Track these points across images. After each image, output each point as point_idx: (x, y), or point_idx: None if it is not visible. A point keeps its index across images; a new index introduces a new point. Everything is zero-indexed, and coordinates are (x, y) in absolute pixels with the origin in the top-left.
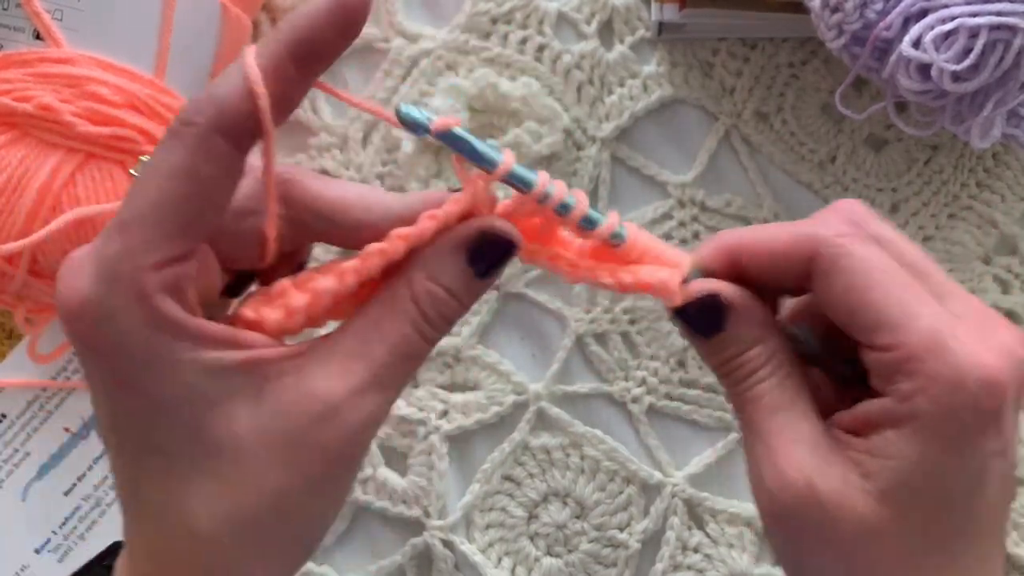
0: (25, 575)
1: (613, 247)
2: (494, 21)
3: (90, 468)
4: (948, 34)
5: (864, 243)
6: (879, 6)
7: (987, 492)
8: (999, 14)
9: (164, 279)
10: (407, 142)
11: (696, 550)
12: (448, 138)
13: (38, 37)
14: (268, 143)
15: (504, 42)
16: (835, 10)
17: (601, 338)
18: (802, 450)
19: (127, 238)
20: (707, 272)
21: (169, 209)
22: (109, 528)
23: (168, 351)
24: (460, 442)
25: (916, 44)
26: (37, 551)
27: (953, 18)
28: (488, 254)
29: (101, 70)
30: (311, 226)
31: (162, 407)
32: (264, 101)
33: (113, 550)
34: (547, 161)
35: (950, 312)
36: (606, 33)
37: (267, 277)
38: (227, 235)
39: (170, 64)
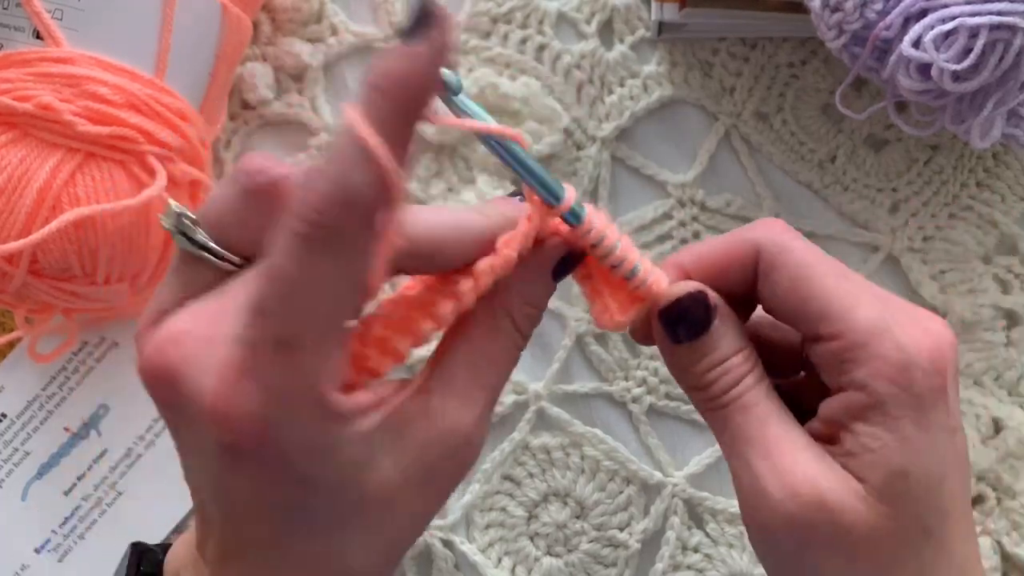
0: (25, 575)
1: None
2: (494, 21)
3: (90, 468)
4: (948, 34)
5: (799, 240)
6: (879, 6)
7: (954, 471)
8: (999, 14)
9: (335, 379)
10: None
11: (696, 550)
12: (501, 149)
13: (38, 37)
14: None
15: (504, 42)
16: (835, 10)
17: (601, 338)
18: (805, 457)
19: (297, 363)
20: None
21: (336, 324)
22: (109, 528)
23: (336, 437)
24: None
25: (916, 44)
26: (37, 551)
27: (953, 18)
28: (565, 268)
29: (101, 70)
30: (403, 266)
31: (321, 485)
32: (400, 180)
33: (139, 554)
34: (547, 161)
35: (886, 303)
36: (606, 33)
37: None
38: None
39: (170, 64)
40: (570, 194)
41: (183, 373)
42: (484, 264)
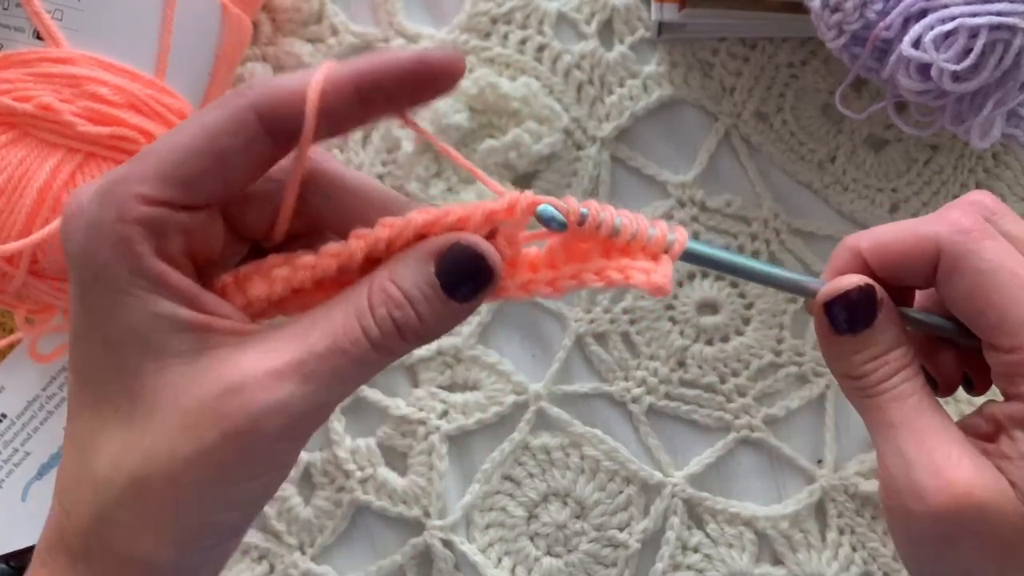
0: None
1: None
2: (494, 21)
3: None
4: (948, 34)
5: (989, 240)
6: (879, 6)
7: None
8: (999, 14)
9: (147, 215)
10: (407, 142)
11: (696, 550)
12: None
13: (38, 37)
14: (305, 138)
15: (504, 42)
16: (835, 10)
17: (601, 338)
18: (959, 452)
19: (133, 166)
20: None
21: (179, 156)
22: None
23: (126, 284)
24: (460, 442)
25: (916, 44)
26: None
27: (953, 18)
28: (457, 270)
29: (101, 70)
30: (326, 216)
31: (107, 338)
32: (311, 107)
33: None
34: (547, 161)
35: None
36: (606, 33)
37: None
38: (245, 202)
39: (170, 64)
40: (572, 205)
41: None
42: (355, 231)
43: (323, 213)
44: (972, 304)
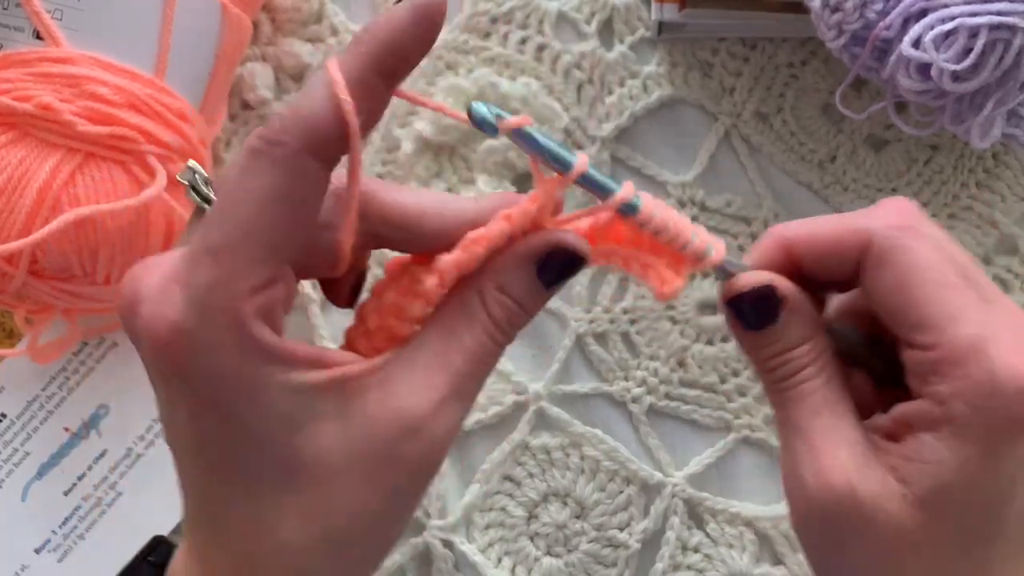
0: (25, 575)
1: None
2: (494, 21)
3: (90, 468)
4: (948, 34)
5: (916, 239)
6: (879, 6)
7: (1018, 500)
8: (999, 14)
9: (258, 305)
10: (407, 142)
11: (696, 550)
12: (519, 136)
13: (38, 37)
14: (355, 160)
15: (504, 42)
16: (835, 10)
17: (601, 338)
18: (845, 452)
19: (220, 265)
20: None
21: (262, 234)
22: (109, 528)
23: (261, 376)
24: (460, 442)
25: (916, 44)
26: (37, 551)
27: (953, 18)
28: (557, 267)
29: (101, 70)
30: (385, 237)
31: (252, 431)
32: (354, 118)
33: (154, 546)
34: None
35: (992, 319)
36: (606, 33)
37: (330, 285)
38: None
39: (170, 64)
40: (582, 160)
41: (139, 294)
42: (471, 235)
43: (381, 235)
44: (896, 298)
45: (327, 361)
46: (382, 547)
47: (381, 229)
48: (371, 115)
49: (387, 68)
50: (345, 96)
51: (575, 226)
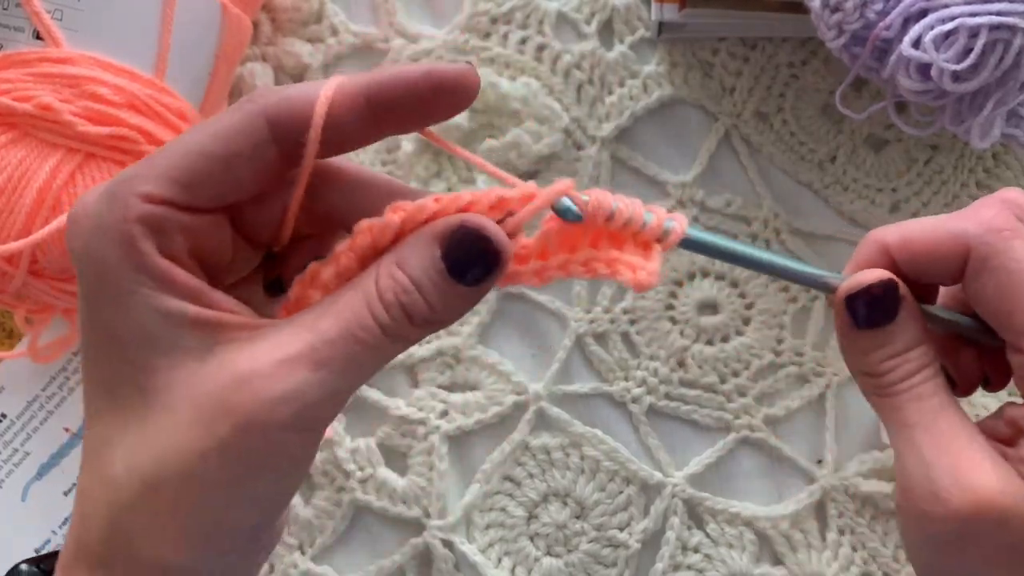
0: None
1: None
2: (494, 21)
3: None
4: (948, 34)
5: (1020, 240)
6: (879, 6)
7: None
8: (999, 14)
9: (149, 213)
10: (407, 142)
11: (696, 550)
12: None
13: (38, 37)
14: (313, 136)
15: (504, 42)
16: (835, 10)
17: (601, 338)
18: (981, 456)
19: (141, 167)
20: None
21: (186, 158)
22: None
23: (131, 282)
24: (460, 442)
25: (916, 44)
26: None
27: (953, 18)
28: (464, 252)
29: (101, 70)
30: (335, 204)
31: (115, 339)
32: (319, 113)
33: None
34: (547, 161)
35: None
36: (606, 33)
37: (285, 263)
38: (255, 205)
39: (170, 64)
40: (560, 185)
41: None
42: (363, 222)
43: (335, 211)
44: (999, 304)
45: (209, 300)
46: (209, 512)
47: (332, 194)
48: (344, 130)
49: (376, 100)
50: (327, 89)
51: (523, 242)
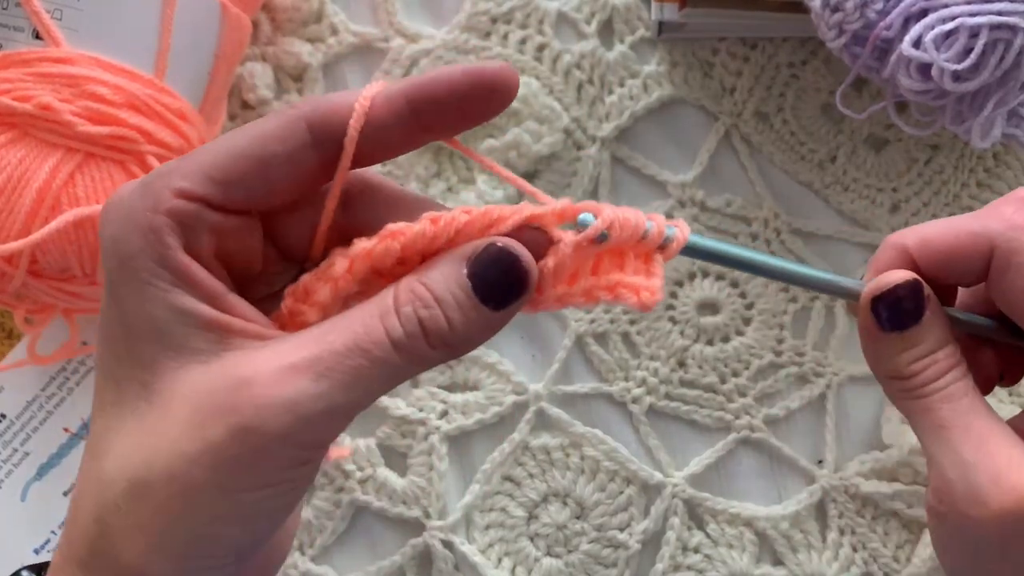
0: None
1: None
2: (494, 21)
3: None
4: (948, 34)
5: None
6: (879, 6)
7: None
8: (999, 14)
9: (179, 208)
10: None
11: (696, 550)
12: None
13: (38, 37)
14: (347, 149)
15: (504, 42)
16: (835, 10)
17: (601, 338)
18: (1021, 455)
19: (181, 162)
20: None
21: (224, 156)
22: None
23: (150, 274)
24: (460, 442)
25: (916, 44)
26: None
27: (953, 18)
28: (491, 271)
29: (101, 70)
30: (369, 222)
31: (129, 330)
32: (359, 111)
33: None
34: (547, 161)
35: None
36: (606, 33)
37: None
38: (289, 217)
39: (170, 64)
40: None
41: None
42: (388, 227)
43: (368, 230)
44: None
45: (225, 305)
46: (183, 506)
47: (369, 217)
48: (385, 134)
49: (417, 103)
50: (366, 93)
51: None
